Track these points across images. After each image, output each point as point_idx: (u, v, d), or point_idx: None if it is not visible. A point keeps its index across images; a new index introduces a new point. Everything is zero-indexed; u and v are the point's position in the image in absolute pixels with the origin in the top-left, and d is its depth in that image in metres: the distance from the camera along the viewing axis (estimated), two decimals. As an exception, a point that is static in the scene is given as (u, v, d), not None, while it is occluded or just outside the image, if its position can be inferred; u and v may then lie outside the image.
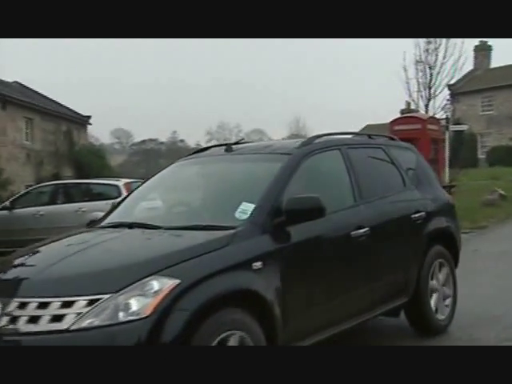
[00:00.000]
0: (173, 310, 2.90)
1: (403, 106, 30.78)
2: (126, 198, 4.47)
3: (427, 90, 22.19)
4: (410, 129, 12.18)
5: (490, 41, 40.79)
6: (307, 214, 3.55)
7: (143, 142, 65.84)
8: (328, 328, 3.85)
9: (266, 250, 3.44)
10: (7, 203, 12.73)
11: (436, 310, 4.88)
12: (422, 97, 22.29)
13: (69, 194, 12.50)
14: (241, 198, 3.71)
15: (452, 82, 24.47)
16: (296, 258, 3.62)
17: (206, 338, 2.97)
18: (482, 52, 40.78)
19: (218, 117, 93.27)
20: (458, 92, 36.77)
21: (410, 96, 22.63)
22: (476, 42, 39.55)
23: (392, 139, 5.17)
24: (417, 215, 4.74)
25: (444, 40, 21.85)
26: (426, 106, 22.11)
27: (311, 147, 4.13)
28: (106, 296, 2.88)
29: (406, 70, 22.19)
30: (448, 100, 29.71)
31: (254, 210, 3.55)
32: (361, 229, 4.09)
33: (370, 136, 4.94)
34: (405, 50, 22.96)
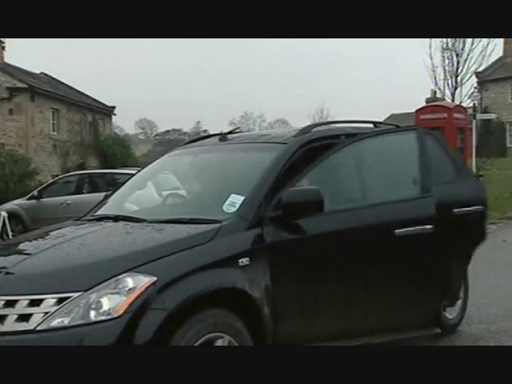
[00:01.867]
0: (148, 310, 2.72)
1: (429, 95, 30.10)
2: (117, 189, 4.31)
3: (454, 78, 21.58)
4: (435, 118, 11.98)
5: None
6: (305, 208, 3.29)
7: (167, 132, 66.10)
8: (331, 340, 3.50)
9: (254, 245, 3.23)
10: (35, 192, 13.01)
11: (444, 308, 4.59)
12: (448, 85, 21.71)
13: (94, 184, 12.70)
14: (231, 189, 3.50)
15: (480, 69, 23.78)
16: (291, 256, 3.38)
17: (186, 340, 2.79)
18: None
19: (243, 106, 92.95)
20: (486, 80, 35.80)
21: (436, 84, 22.03)
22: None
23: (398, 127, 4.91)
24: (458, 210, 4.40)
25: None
26: (453, 94, 21.53)
27: (309, 136, 3.85)
28: (77, 294, 2.72)
29: (431, 57, 21.62)
30: (475, 88, 28.95)
31: (243, 202, 3.35)
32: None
33: (375, 124, 4.68)
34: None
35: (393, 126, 4.80)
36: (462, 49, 21.65)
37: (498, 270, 4.51)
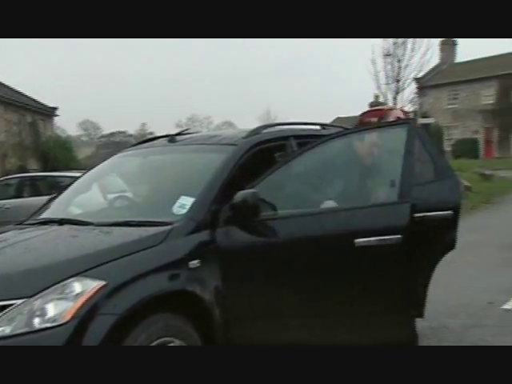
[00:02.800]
0: (97, 315, 2.64)
1: (372, 99, 30.73)
2: (61, 192, 4.18)
3: (395, 83, 22.26)
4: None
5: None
6: (251, 211, 3.26)
7: (112, 134, 64.89)
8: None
9: (204, 247, 3.20)
10: (-28, 196, 12.40)
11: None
12: (390, 90, 22.37)
13: (36, 187, 12.22)
14: (181, 191, 3.45)
15: (419, 75, 24.63)
16: (244, 259, 3.34)
17: (137, 345, 2.72)
18: (447, 47, 41.31)
19: (190, 109, 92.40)
20: (425, 85, 37.12)
21: (379, 89, 22.67)
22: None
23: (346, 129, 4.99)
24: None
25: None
26: (395, 98, 22.19)
27: (259, 137, 3.83)
28: (20, 301, 2.61)
29: (374, 62, 22.22)
30: (415, 93, 30.02)
31: (193, 204, 3.31)
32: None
33: (323, 126, 4.74)
34: (373, 43, 23.00)
35: (340, 127, 4.88)
36: (403, 55, 22.37)
37: (439, 268, 4.61)
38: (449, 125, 38.77)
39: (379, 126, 4.47)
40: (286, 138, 3.99)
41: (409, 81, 23.00)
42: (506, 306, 5.66)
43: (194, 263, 3.11)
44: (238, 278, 3.29)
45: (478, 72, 37.75)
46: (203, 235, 3.24)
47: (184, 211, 3.31)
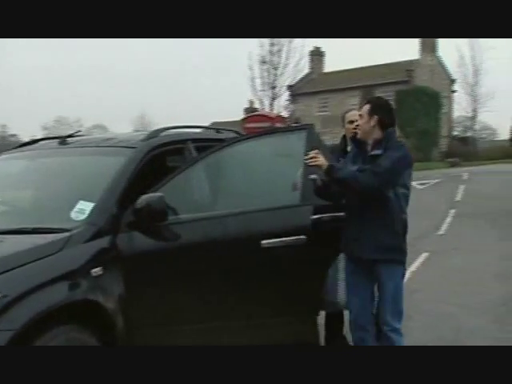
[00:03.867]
0: None
1: (247, 105, 31.37)
2: None
3: (272, 90, 23.00)
4: (260, 126, 12.54)
5: (323, 47, 43.55)
6: (157, 215, 3.17)
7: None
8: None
9: (107, 253, 3.06)
10: None
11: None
12: (266, 96, 23.06)
13: None
14: (78, 196, 3.26)
15: (292, 83, 25.69)
16: (146, 265, 3.22)
17: None
18: (317, 56, 43.36)
19: (56, 111, 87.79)
20: (296, 93, 38.60)
21: (256, 95, 23.28)
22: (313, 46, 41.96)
23: (239, 134, 5.05)
24: None
25: (286, 42, 22.75)
26: (271, 104, 22.91)
27: (158, 140, 3.74)
28: None
29: (251, 69, 22.77)
30: (288, 100, 31.17)
31: (93, 209, 3.15)
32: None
33: (217, 130, 4.76)
34: (251, 49, 23.57)
35: (233, 131, 4.92)
36: (278, 63, 23.18)
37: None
38: (319, 131, 40.57)
39: (280, 130, 4.57)
40: (184, 141, 3.93)
41: (284, 88, 23.90)
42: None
43: (97, 271, 2.96)
44: (141, 285, 3.17)
45: (345, 82, 40.05)
46: (105, 241, 3.10)
47: (83, 217, 3.14)
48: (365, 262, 3.50)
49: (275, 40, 22.70)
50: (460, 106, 40.67)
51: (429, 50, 38.83)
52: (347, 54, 70.24)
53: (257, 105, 23.53)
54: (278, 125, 13.49)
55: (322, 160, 3.47)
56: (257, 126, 12.79)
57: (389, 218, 3.43)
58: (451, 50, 69.86)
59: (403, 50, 74.05)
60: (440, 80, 39.57)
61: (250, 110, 51.06)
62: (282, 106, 23.22)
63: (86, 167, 3.68)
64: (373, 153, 3.48)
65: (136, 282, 3.13)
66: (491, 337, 4.64)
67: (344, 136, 4.47)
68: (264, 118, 13.89)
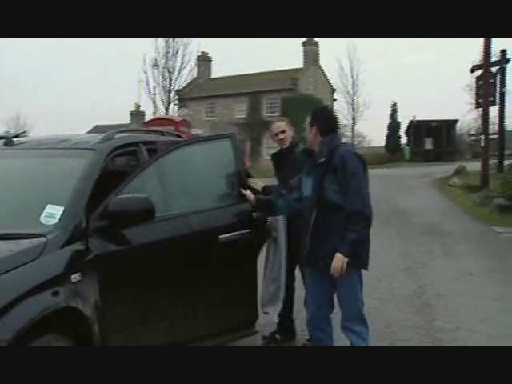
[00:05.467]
0: None
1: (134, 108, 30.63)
2: None
3: (167, 94, 22.78)
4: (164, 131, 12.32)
5: (210, 53, 43.90)
6: (136, 217, 3.16)
7: None
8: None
9: (83, 258, 2.98)
10: None
11: None
12: (162, 100, 22.80)
13: None
14: (43, 199, 3.14)
15: (180, 87, 25.69)
16: (117, 267, 3.19)
17: None
18: (204, 62, 43.59)
19: None
20: (185, 97, 38.52)
21: (151, 98, 22.93)
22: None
23: (179, 137, 5.08)
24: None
25: (182, 46, 22.65)
26: (167, 108, 22.69)
27: (114, 142, 3.70)
28: None
29: (145, 72, 22.40)
30: (177, 105, 30.99)
31: (64, 213, 3.04)
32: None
33: (162, 133, 4.76)
34: (145, 51, 23.21)
35: (175, 135, 4.97)
36: (173, 67, 23.04)
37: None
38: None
39: (208, 138, 4.91)
40: (137, 144, 3.95)
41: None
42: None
43: (76, 277, 2.89)
44: (114, 289, 3.16)
45: (232, 88, 40.67)
46: (80, 246, 3.02)
47: (54, 221, 3.02)
48: (322, 267, 3.55)
49: (171, 43, 22.58)
50: (341, 115, 43.01)
51: (312, 60, 40.59)
52: (234, 61, 71.31)
53: (152, 109, 23.26)
54: (183, 129, 13.38)
55: (251, 197, 3.95)
56: (160, 130, 12.58)
57: (342, 225, 3.47)
58: (332, 61, 73.82)
59: (288, 58, 76.94)
60: (322, 89, 41.54)
61: (136, 114, 50.20)
62: (176, 111, 23.05)
63: (46, 169, 3.51)
64: (317, 162, 3.58)
65: (109, 286, 3.09)
66: (418, 326, 5.06)
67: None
68: (168, 121, 13.65)
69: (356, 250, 3.46)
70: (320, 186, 3.52)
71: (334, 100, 43.81)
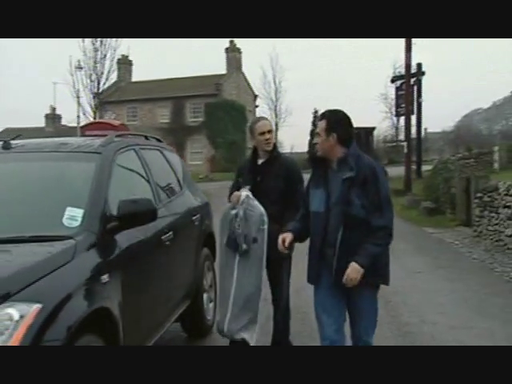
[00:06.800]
0: (42, 343, 2.31)
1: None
2: None
3: (96, 97, 22.20)
4: (104, 134, 12.07)
5: (131, 56, 43.16)
6: (141, 218, 3.25)
7: None
8: (152, 335, 3.69)
9: (108, 259, 3.03)
10: None
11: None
12: (90, 104, 22.17)
13: None
14: (58, 202, 3.15)
15: (100, 91, 25.18)
16: (129, 266, 3.27)
17: None
18: (124, 65, 42.78)
19: None
20: (106, 101, 37.64)
21: (77, 101, 22.27)
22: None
23: (159, 141, 5.14)
24: (195, 217, 4.82)
25: (111, 50, 22.15)
26: (95, 112, 22.12)
27: (115, 146, 3.81)
28: None
29: (72, 74, 21.72)
30: (97, 108, 30.32)
31: (85, 215, 3.07)
32: (168, 233, 3.96)
33: (146, 137, 4.81)
34: (72, 54, 22.54)
35: (156, 139, 5.05)
36: (102, 70, 22.52)
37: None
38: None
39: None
40: (133, 146, 4.17)
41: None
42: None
43: (105, 278, 2.93)
44: (130, 287, 3.22)
45: (154, 92, 40.26)
46: (103, 247, 3.06)
47: (77, 223, 3.03)
48: (340, 287, 3.22)
49: (98, 46, 22.04)
50: (265, 121, 43.70)
51: (235, 66, 41.02)
52: (155, 65, 70.39)
53: (80, 112, 22.52)
54: (122, 132, 13.20)
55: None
56: (99, 133, 12.34)
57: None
58: (255, 68, 74.84)
59: (211, 64, 77.02)
60: (245, 95, 42.08)
61: (51, 117, 48.36)
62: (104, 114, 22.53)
63: (56, 172, 3.51)
64: (345, 176, 3.18)
65: (126, 284, 3.16)
66: (387, 322, 5.40)
67: (255, 148, 4.29)
68: (107, 125, 13.39)
69: (373, 263, 3.18)
70: (346, 200, 3.17)
71: (256, 106, 44.50)
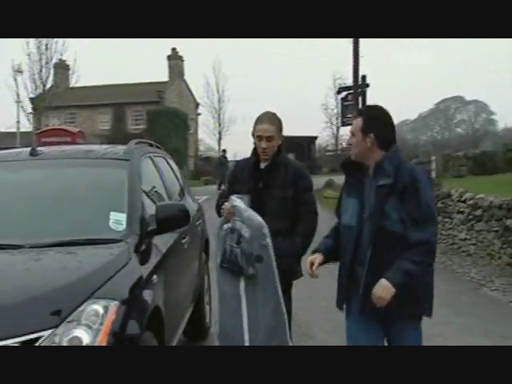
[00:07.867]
0: (124, 337, 2.46)
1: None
2: None
3: (33, 103, 21.61)
4: (60, 141, 11.84)
5: (68, 60, 42.03)
6: (177, 222, 3.40)
7: None
8: (176, 333, 3.78)
9: (154, 261, 3.18)
10: None
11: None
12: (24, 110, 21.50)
13: None
14: (99, 207, 3.29)
15: (33, 96, 24.66)
16: (167, 268, 3.43)
17: None
18: (61, 69, 41.66)
19: None
20: (44, 106, 36.53)
21: (22, 107, 21.52)
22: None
23: (158, 148, 5.25)
24: (197, 222, 4.97)
25: (56, 55, 21.65)
26: (33, 117, 21.49)
27: (138, 153, 3.96)
28: (47, 333, 2.25)
29: (15, 79, 21.01)
30: (30, 113, 29.50)
31: (128, 219, 3.19)
32: (185, 237, 4.11)
33: (151, 145, 4.91)
34: (14, 57, 21.83)
35: (155, 146, 5.16)
36: (48, 76, 21.97)
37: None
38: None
39: None
40: (149, 153, 4.37)
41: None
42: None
43: (155, 278, 3.08)
44: (168, 286, 3.37)
45: (94, 98, 39.49)
46: (149, 249, 3.22)
47: (123, 227, 3.16)
48: (374, 316, 2.76)
49: (43, 51, 21.45)
50: (208, 129, 43.87)
51: (177, 73, 40.91)
52: (94, 70, 68.64)
53: (23, 119, 21.82)
54: (79, 140, 12.97)
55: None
56: (56, 140, 12.10)
57: None
58: (199, 76, 74.74)
59: (153, 71, 76.24)
60: (187, 103, 42.02)
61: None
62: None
63: (92, 178, 3.61)
64: (380, 183, 2.73)
65: (165, 283, 3.30)
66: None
67: (255, 148, 3.58)
68: (64, 132, 13.13)
69: (414, 288, 2.71)
70: (380, 212, 2.70)
71: (198, 114, 44.53)
